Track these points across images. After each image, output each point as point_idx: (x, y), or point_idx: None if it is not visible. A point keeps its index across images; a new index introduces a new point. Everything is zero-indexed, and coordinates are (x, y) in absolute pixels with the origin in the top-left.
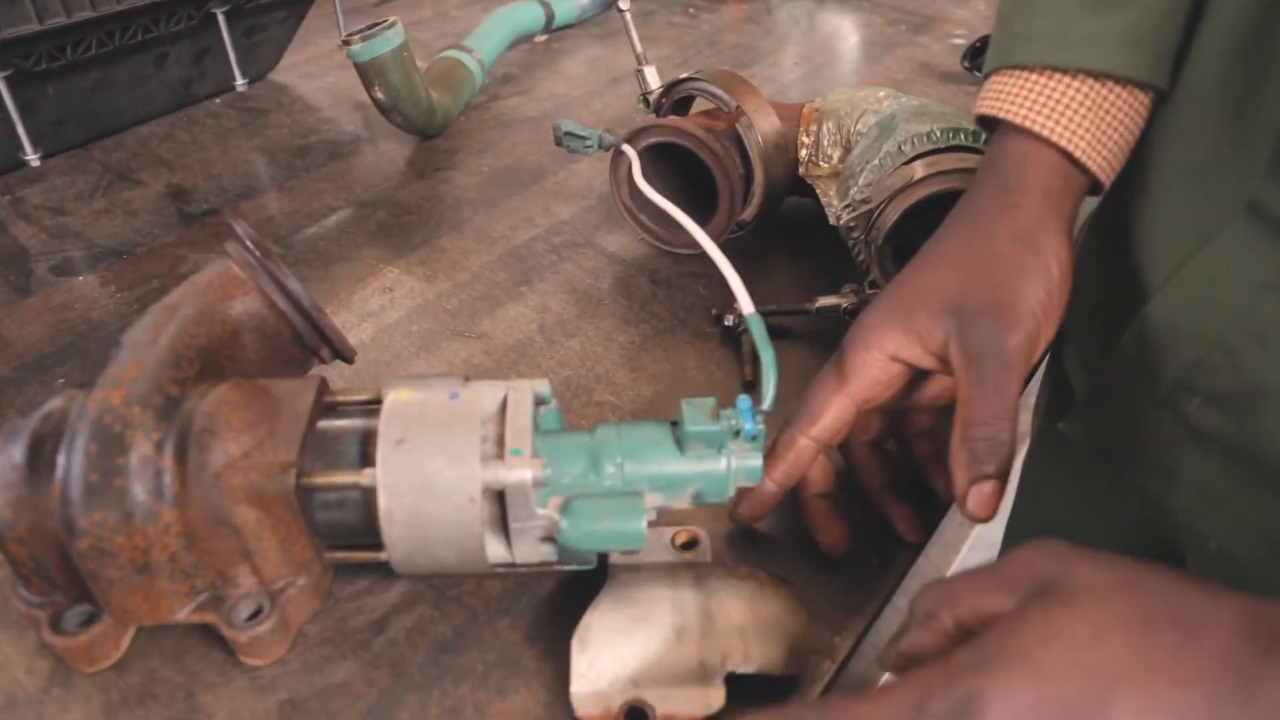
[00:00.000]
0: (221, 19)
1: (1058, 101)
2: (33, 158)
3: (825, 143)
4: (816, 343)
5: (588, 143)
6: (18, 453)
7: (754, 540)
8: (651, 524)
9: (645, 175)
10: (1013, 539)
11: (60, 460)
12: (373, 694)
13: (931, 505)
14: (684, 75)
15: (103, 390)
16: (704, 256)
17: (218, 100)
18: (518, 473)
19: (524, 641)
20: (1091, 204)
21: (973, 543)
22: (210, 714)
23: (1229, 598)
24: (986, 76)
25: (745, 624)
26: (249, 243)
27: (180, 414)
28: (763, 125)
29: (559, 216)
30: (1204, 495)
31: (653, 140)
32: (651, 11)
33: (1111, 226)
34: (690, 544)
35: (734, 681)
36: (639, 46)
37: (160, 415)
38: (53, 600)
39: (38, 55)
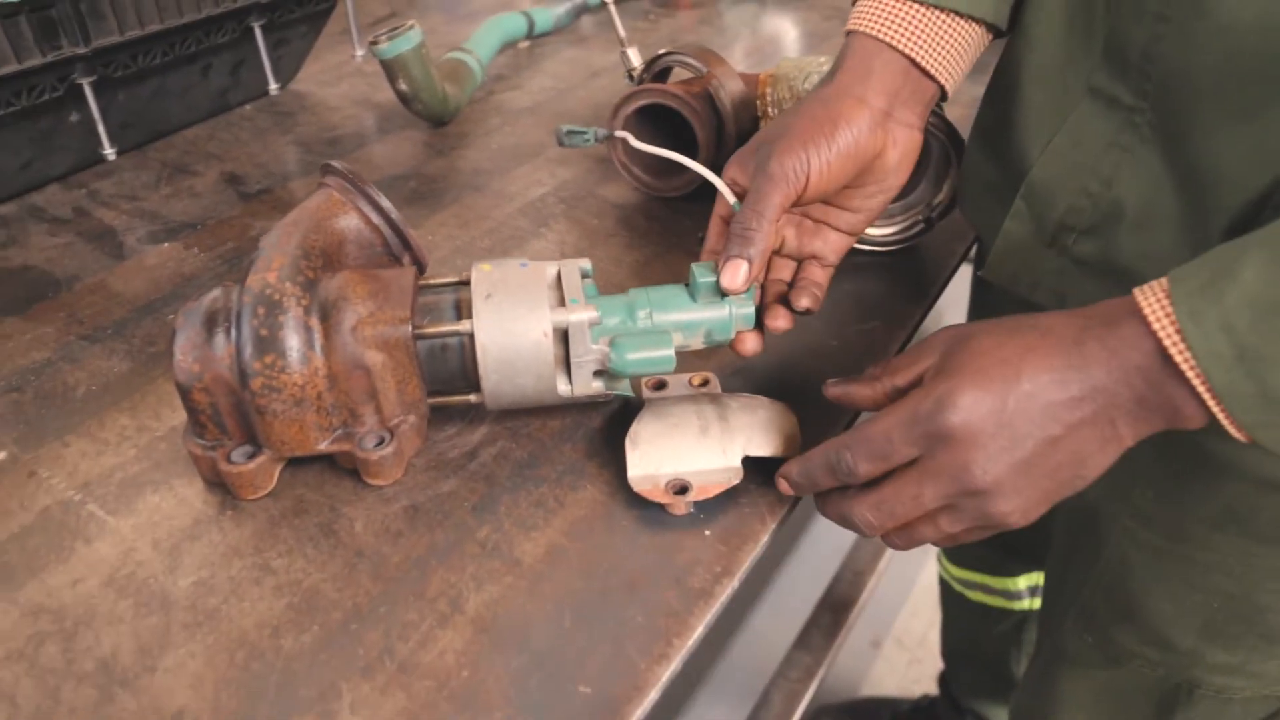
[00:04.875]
0: (258, 32)
1: (895, 19)
2: (110, 152)
3: (780, 99)
4: None
5: (586, 136)
6: (197, 323)
7: (751, 386)
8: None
9: (636, 136)
10: None
11: (233, 325)
12: (475, 497)
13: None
14: (661, 51)
15: (259, 274)
16: (689, 198)
17: (248, 106)
18: (577, 314)
19: (585, 458)
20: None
21: None
22: (351, 519)
23: (1066, 311)
24: (854, 2)
25: (753, 423)
26: (346, 173)
27: (317, 291)
28: (730, 86)
29: (563, 177)
30: (1085, 304)
31: (641, 103)
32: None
33: (993, 124)
34: (703, 384)
35: (748, 463)
36: (622, 31)
37: (304, 289)
38: (221, 443)
39: (116, 64)
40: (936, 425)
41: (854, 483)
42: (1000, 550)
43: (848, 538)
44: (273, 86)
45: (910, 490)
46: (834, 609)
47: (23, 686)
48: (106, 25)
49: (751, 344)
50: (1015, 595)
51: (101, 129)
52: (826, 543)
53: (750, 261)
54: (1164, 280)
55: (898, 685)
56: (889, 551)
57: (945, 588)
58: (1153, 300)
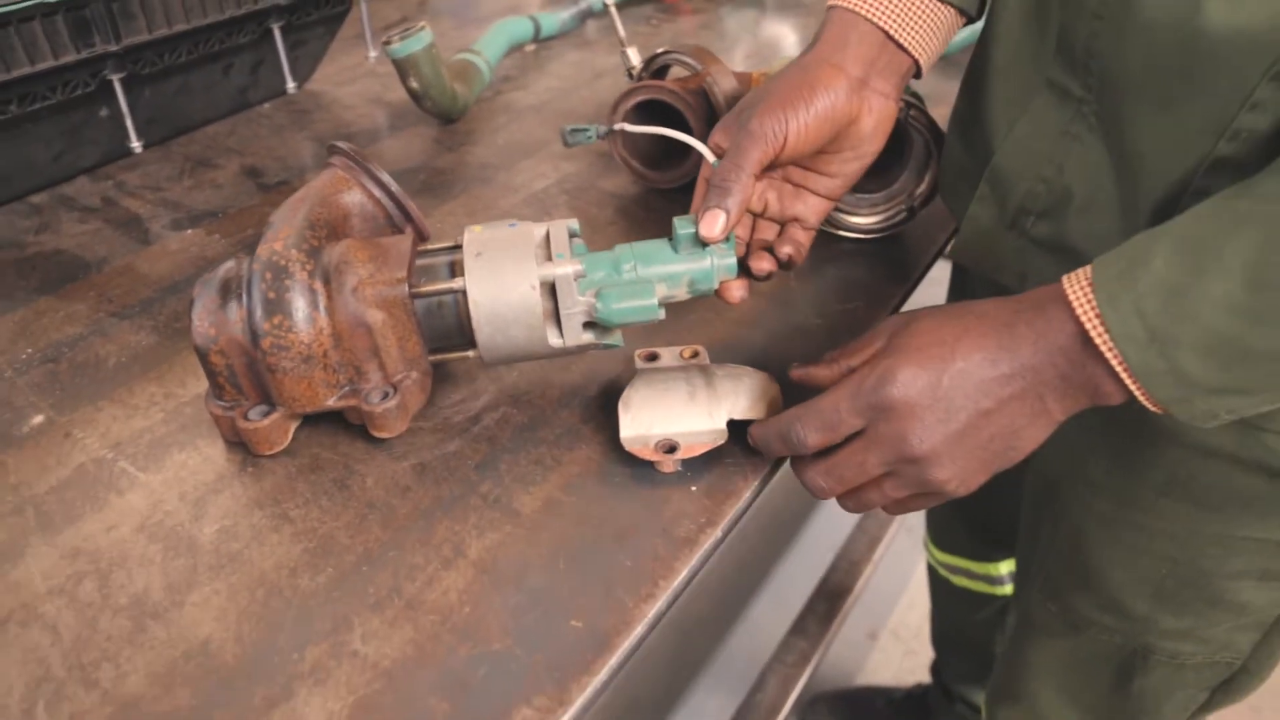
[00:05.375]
0: (277, 33)
1: None
2: (136, 145)
3: None
4: None
5: (588, 134)
6: (213, 292)
7: (741, 360)
8: (661, 315)
9: (635, 134)
10: None
11: (244, 291)
12: (478, 456)
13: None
14: (659, 50)
15: (267, 244)
16: (684, 190)
17: (267, 105)
18: (563, 268)
19: (581, 422)
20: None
21: None
22: (364, 475)
23: (999, 299)
24: None
25: (737, 389)
26: (350, 152)
27: (321, 257)
28: (724, 83)
29: (566, 171)
30: (1044, 283)
31: (640, 98)
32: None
33: (965, 114)
34: (693, 356)
35: (733, 426)
36: (622, 31)
37: (309, 255)
38: (239, 404)
39: (144, 61)
40: (879, 398)
41: (804, 453)
42: (982, 536)
43: (844, 529)
44: (290, 86)
45: (856, 457)
46: (829, 597)
47: (64, 617)
48: (136, 25)
49: (737, 291)
50: (998, 580)
51: (129, 123)
52: (823, 534)
53: (728, 211)
54: (1088, 268)
55: (893, 677)
56: (884, 543)
57: (932, 573)
58: (1077, 287)
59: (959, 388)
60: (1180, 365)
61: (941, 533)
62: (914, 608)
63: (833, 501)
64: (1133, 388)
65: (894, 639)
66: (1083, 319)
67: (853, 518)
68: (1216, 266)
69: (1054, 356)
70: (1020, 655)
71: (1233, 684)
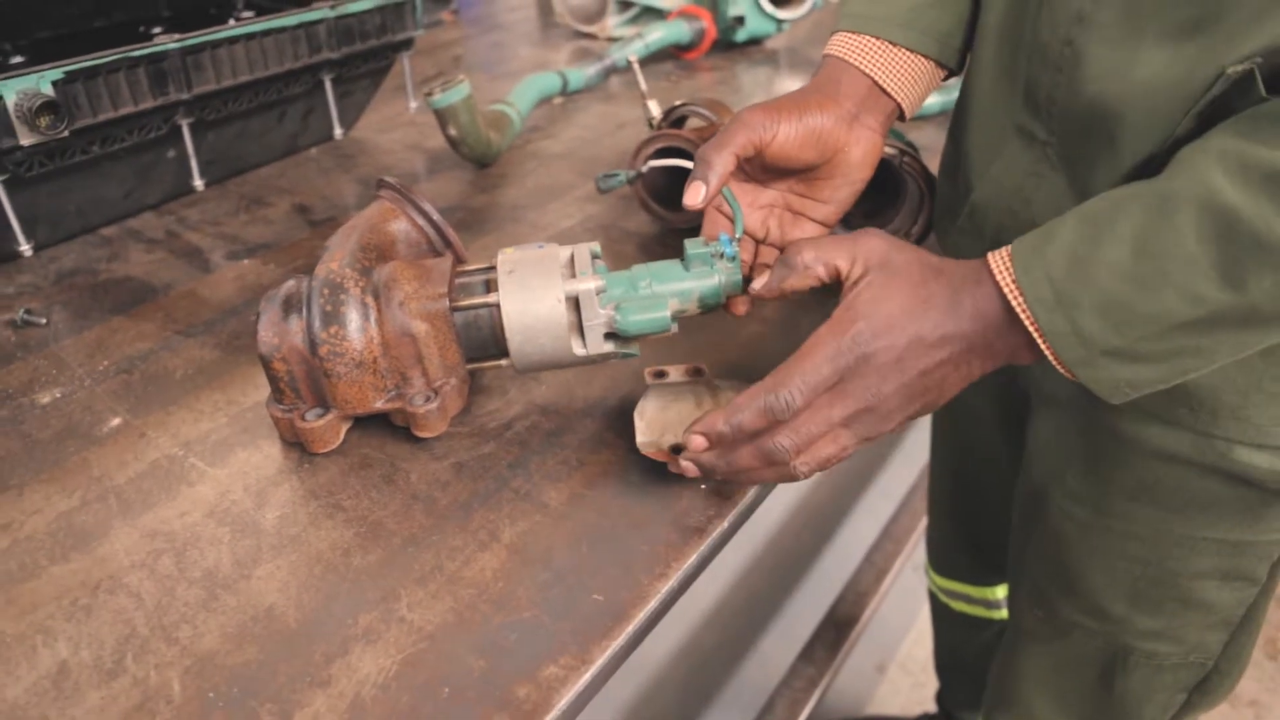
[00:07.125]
0: (328, 84)
1: (860, 48)
2: (199, 184)
3: None
4: None
5: (619, 178)
6: (276, 306)
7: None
8: (674, 329)
9: (654, 178)
10: None
11: (304, 305)
12: (510, 456)
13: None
14: (677, 103)
15: (324, 264)
16: (696, 229)
17: (315, 150)
18: (586, 283)
19: (602, 429)
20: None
21: None
22: (408, 472)
23: (949, 260)
24: (831, 34)
25: None
26: (397, 185)
27: (372, 276)
28: None
29: (590, 212)
30: None
31: (659, 145)
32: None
33: (951, 155)
34: (696, 373)
35: None
36: (644, 85)
37: (362, 274)
38: (297, 407)
39: (210, 108)
40: (855, 357)
41: (789, 417)
42: (980, 561)
43: (852, 562)
44: (337, 132)
45: (822, 413)
46: (837, 626)
47: (146, 587)
48: (206, 75)
49: (742, 305)
50: (995, 605)
51: (194, 164)
52: (831, 568)
53: (707, 183)
54: (1009, 246)
55: (901, 708)
56: (890, 575)
57: (933, 599)
58: (999, 261)
59: (914, 352)
60: (1081, 326)
61: (941, 558)
62: (920, 643)
63: (841, 536)
64: (1045, 349)
65: (902, 672)
66: (1003, 287)
67: (860, 549)
68: (1110, 237)
69: (986, 329)
70: (1012, 663)
71: (1207, 685)
